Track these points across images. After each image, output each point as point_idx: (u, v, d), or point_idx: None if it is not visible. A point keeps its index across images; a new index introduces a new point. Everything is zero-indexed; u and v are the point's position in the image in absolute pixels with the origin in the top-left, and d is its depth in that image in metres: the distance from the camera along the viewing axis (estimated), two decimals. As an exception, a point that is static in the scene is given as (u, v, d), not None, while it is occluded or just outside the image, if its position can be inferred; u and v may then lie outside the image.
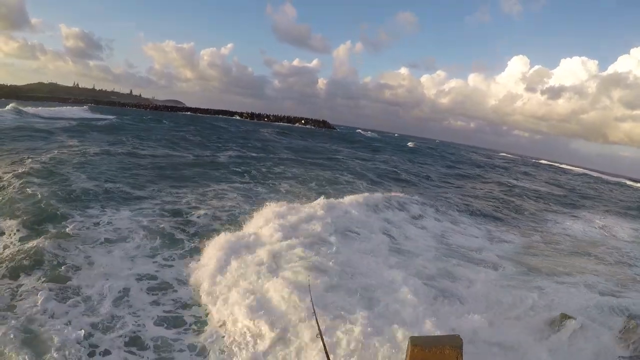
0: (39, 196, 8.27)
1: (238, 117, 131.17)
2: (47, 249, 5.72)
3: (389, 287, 5.46)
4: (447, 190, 19.66)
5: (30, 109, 33.83)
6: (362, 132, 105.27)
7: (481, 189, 21.45)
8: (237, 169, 16.22)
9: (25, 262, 5.36)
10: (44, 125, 25.06)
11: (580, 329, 5.44)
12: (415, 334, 4.27)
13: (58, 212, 7.53)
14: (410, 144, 69.16)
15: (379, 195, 12.51)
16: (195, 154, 20.25)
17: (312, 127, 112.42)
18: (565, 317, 5.79)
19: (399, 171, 23.71)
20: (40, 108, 37.28)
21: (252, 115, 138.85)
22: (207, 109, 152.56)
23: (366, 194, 12.12)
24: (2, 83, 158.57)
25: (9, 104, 32.10)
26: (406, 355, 3.40)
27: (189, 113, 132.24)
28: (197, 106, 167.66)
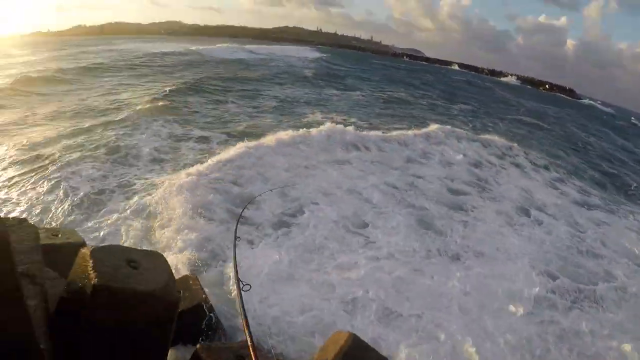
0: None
1: (474, 72, 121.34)
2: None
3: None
4: None
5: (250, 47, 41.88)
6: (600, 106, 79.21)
7: None
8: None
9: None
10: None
11: None
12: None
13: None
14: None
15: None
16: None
17: (557, 94, 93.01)
18: None
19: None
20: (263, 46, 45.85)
21: (492, 72, 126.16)
22: (447, 61, 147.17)
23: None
24: (252, 26, 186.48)
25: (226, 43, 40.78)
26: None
27: (425, 63, 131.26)
28: (436, 57, 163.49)
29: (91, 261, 1.84)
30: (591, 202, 10.23)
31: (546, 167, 12.06)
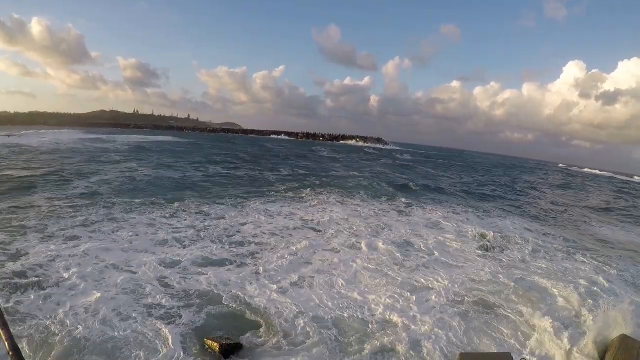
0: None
1: (293, 138, 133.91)
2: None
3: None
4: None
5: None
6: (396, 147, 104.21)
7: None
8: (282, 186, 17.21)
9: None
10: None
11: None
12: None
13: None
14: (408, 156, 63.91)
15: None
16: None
17: (366, 144, 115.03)
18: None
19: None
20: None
21: (307, 135, 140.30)
22: (263, 131, 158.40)
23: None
24: (66, 112, 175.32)
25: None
26: (456, 373, 3.44)
27: (242, 135, 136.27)
28: (252, 128, 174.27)
29: None
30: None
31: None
